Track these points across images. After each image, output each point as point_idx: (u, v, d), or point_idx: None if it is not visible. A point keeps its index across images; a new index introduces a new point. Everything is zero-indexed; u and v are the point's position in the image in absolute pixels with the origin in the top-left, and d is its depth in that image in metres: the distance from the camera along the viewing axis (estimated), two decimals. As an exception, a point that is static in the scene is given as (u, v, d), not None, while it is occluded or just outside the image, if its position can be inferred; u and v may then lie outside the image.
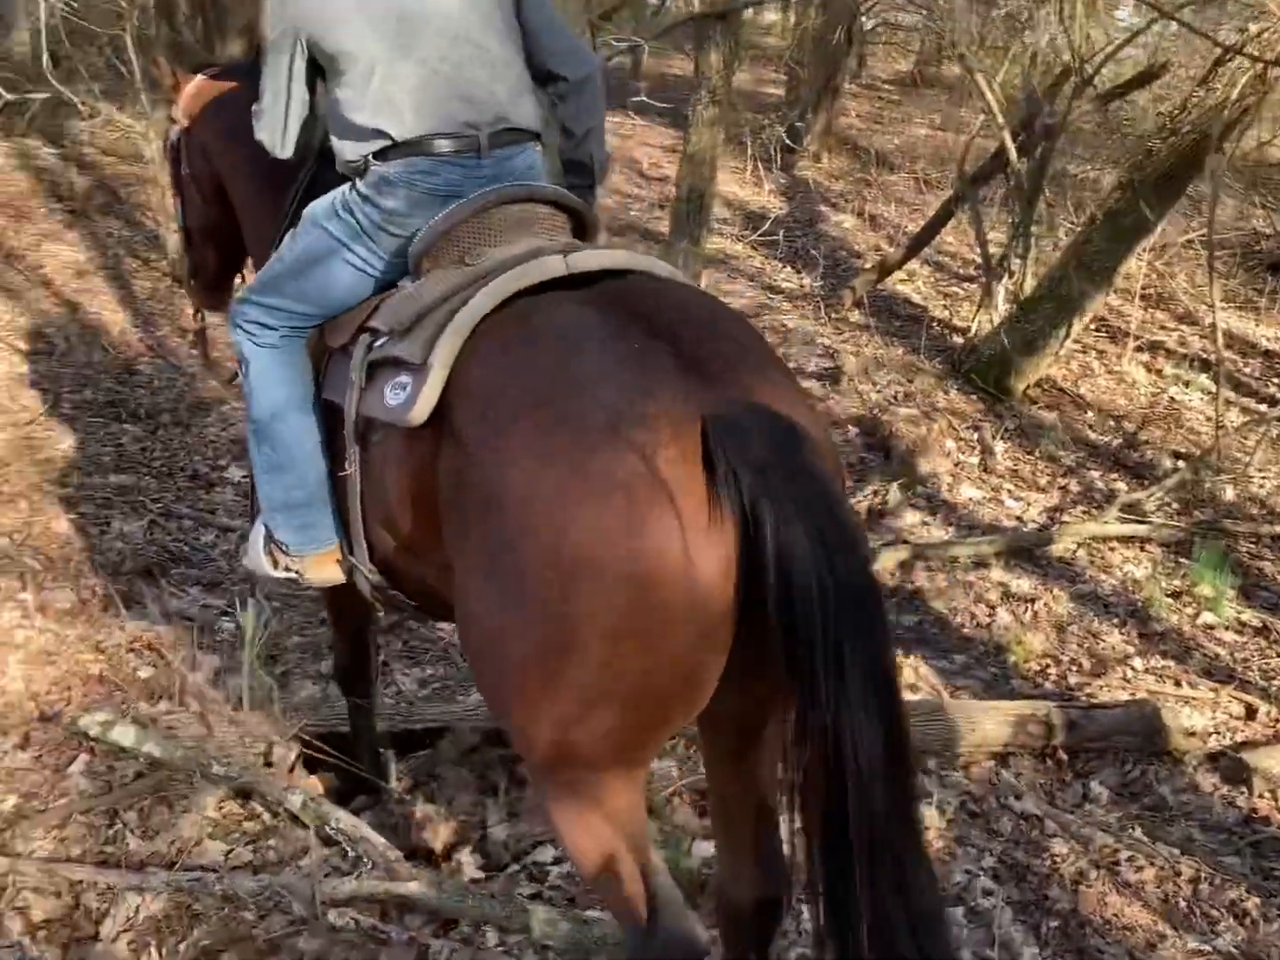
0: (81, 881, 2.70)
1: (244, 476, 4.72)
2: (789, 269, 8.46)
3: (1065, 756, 3.55)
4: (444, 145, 2.43)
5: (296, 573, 2.70)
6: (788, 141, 10.39)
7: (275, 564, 2.74)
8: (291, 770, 3.10)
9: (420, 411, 2.13)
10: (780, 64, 13.70)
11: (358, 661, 3.11)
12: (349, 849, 2.79)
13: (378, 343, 2.33)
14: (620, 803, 1.95)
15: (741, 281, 8.08)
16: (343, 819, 2.82)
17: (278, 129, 2.57)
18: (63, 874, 2.71)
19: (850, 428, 5.90)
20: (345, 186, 2.55)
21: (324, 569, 2.66)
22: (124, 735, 2.99)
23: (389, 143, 2.43)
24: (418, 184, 2.44)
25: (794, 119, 11.06)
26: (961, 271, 8.68)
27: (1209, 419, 6.10)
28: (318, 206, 2.59)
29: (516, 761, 3.15)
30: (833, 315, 7.41)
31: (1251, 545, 5.10)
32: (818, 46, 11.15)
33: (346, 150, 2.50)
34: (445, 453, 2.07)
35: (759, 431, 1.79)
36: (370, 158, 2.46)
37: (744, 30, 18.04)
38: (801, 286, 8.09)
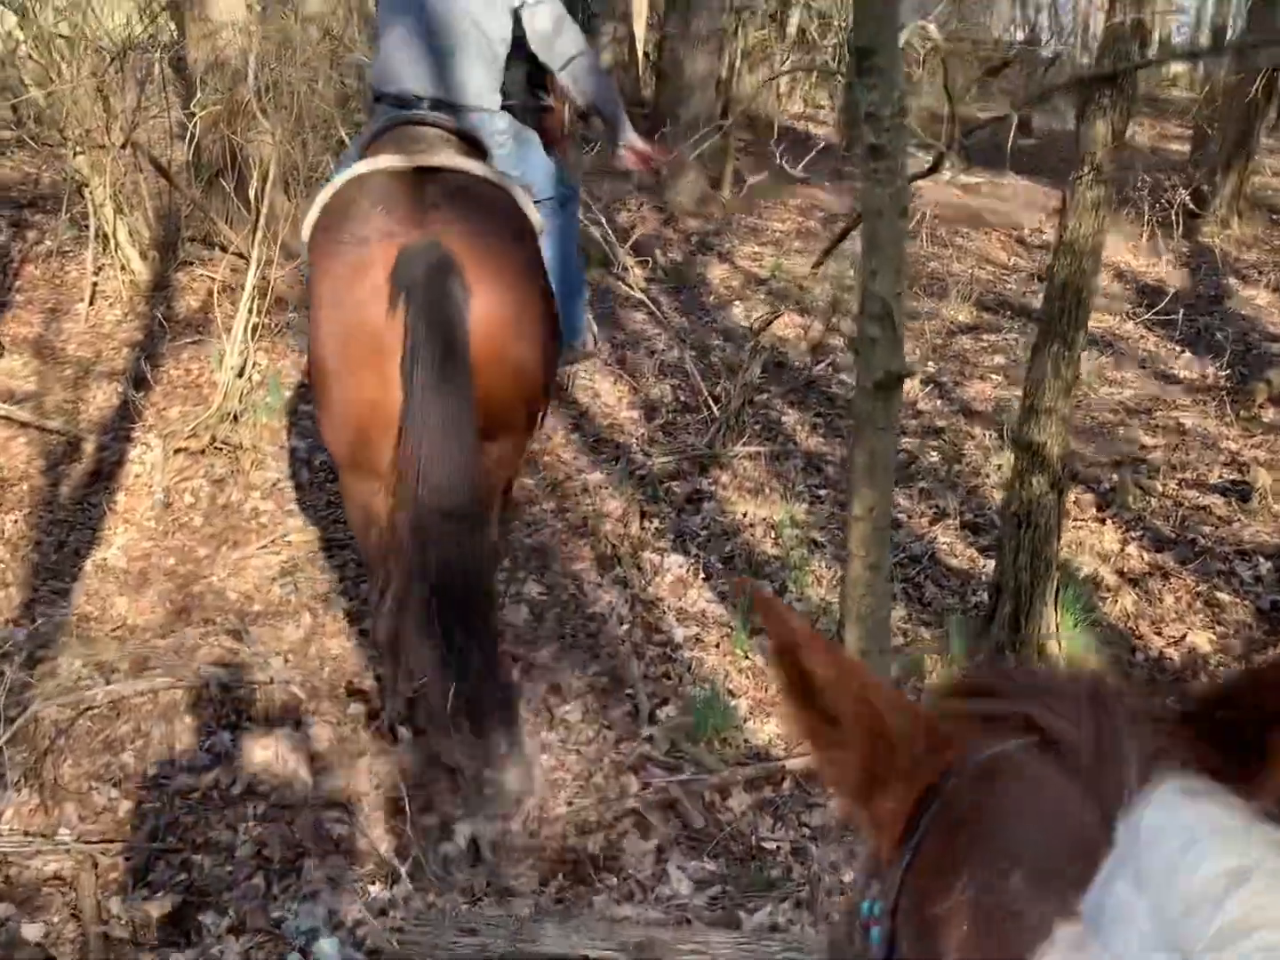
0: None
1: (540, 593, 4.31)
2: (1187, 354, 7.36)
3: None
4: (400, 102, 3.51)
5: None
6: (1191, 205, 9.21)
7: None
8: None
9: (305, 239, 3.35)
10: (1186, 119, 12.43)
11: None
12: None
13: None
14: (360, 492, 3.16)
15: (1129, 368, 7.07)
16: None
17: None
18: None
19: (1260, 560, 4.86)
20: None
21: None
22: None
23: (374, 91, 3.68)
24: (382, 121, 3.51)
25: (1200, 180, 9.85)
26: None
27: None
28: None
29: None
30: (1241, 414, 6.31)
31: None
32: (1230, 101, 9.92)
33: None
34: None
35: (419, 257, 2.94)
36: (373, 99, 3.72)
37: (1146, 83, 16.72)
38: (1203, 377, 6.99)
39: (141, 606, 3.99)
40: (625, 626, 4.10)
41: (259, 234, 5.50)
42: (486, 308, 3.03)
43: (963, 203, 11.15)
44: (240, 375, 5.13)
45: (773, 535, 4.76)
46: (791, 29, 16.12)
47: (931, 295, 8.21)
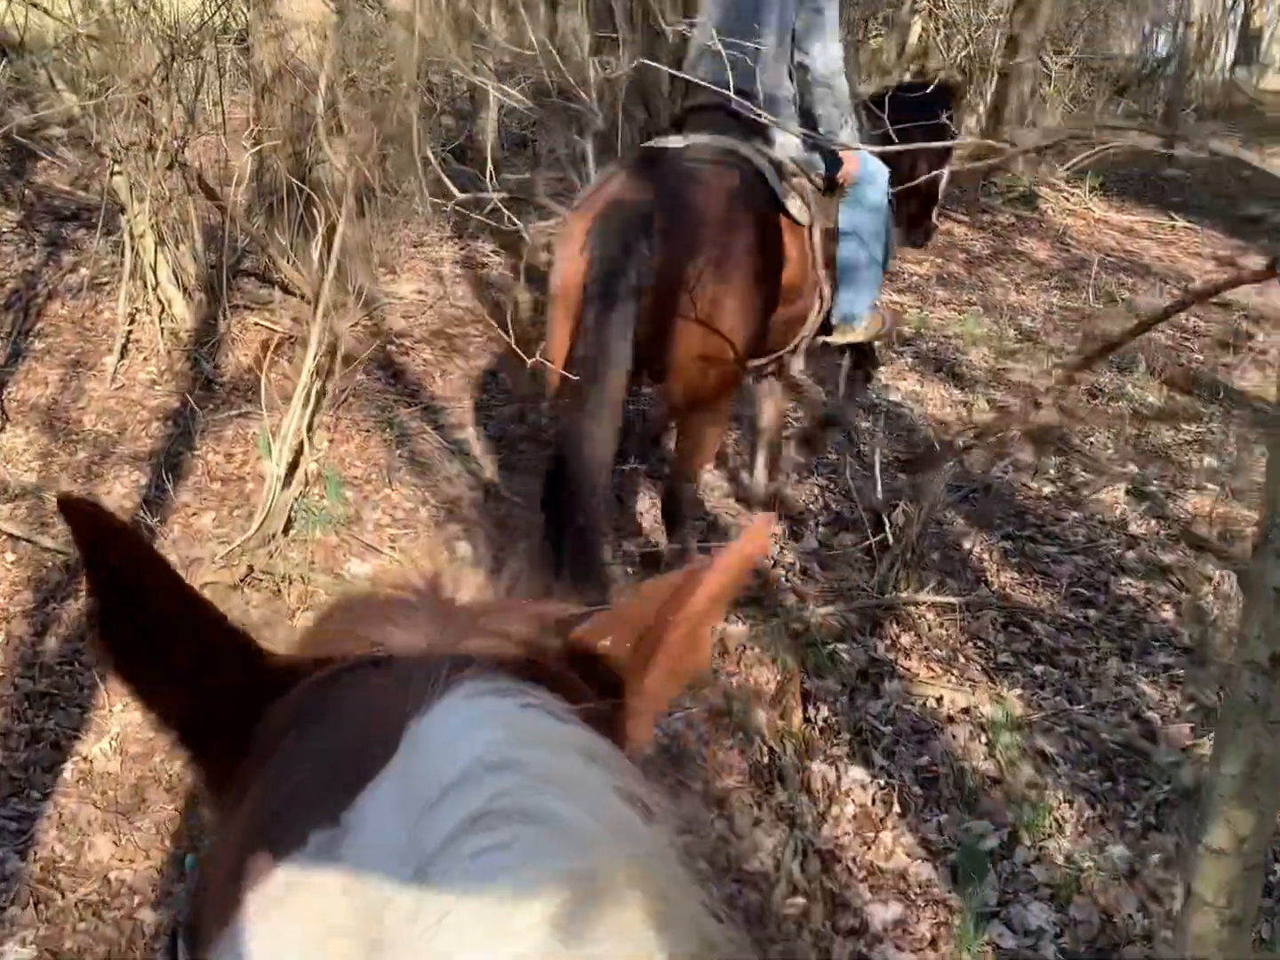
0: None
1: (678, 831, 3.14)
2: None
3: None
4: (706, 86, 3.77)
5: None
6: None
7: None
8: None
9: None
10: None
11: None
12: None
13: None
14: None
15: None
16: None
17: None
18: None
19: None
20: None
21: None
22: None
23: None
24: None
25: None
26: None
27: None
28: None
29: None
30: None
31: None
32: None
33: None
34: None
35: (614, 214, 3.50)
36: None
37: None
38: None
39: (129, 848, 2.86)
40: (800, 900, 2.92)
41: (328, 276, 4.36)
42: (672, 262, 3.49)
43: (1119, 245, 9.86)
44: (288, 483, 3.99)
45: (983, 739, 3.55)
46: (913, 39, 14.87)
47: (1109, 364, 6.96)
